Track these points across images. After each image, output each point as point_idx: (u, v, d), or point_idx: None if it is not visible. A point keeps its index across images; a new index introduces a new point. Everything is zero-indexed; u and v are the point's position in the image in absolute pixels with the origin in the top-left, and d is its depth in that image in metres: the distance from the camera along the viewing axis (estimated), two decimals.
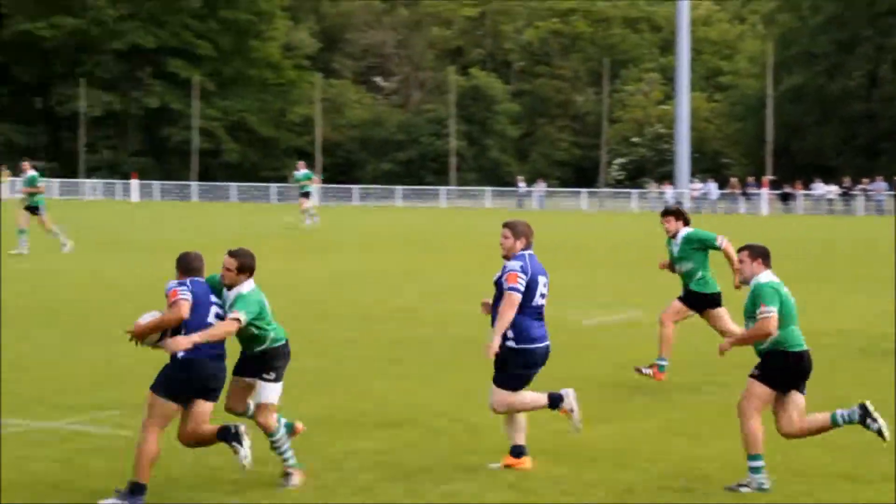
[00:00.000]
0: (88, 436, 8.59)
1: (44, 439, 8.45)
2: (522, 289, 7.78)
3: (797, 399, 7.54)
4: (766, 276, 7.53)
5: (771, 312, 7.33)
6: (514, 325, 7.79)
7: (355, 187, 75.54)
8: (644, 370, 10.89)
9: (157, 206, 63.93)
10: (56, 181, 74.90)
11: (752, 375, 7.55)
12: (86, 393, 10.23)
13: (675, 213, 11.05)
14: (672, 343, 10.97)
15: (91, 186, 76.21)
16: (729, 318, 10.84)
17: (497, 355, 7.81)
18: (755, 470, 7.44)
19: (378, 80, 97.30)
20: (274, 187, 74.30)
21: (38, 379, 10.59)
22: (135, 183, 72.31)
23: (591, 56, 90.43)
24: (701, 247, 10.79)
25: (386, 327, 14.79)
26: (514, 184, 73.69)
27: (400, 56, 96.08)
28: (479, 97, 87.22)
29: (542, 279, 7.97)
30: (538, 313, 7.93)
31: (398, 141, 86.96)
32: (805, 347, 7.55)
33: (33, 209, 25.17)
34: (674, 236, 10.96)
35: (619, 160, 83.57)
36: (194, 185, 76.99)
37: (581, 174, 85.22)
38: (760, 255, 7.58)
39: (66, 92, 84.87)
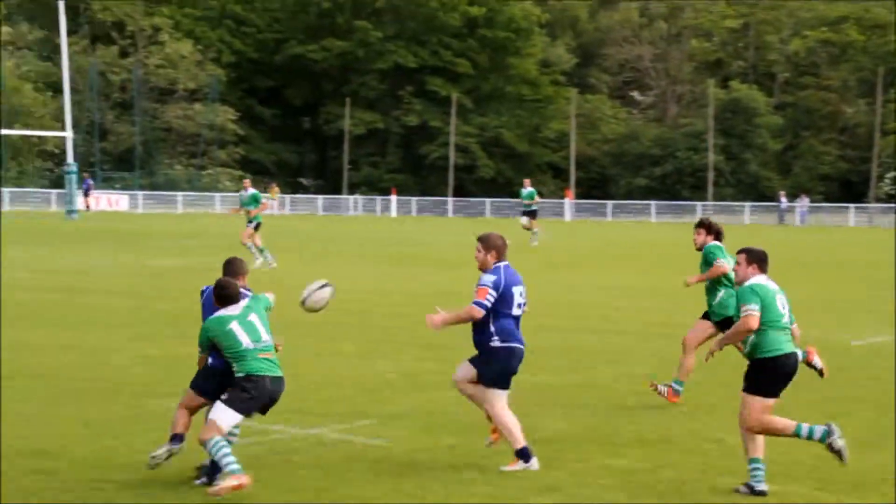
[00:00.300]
0: (348, 444, 8.87)
1: (307, 447, 8.80)
2: (489, 305, 7.98)
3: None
4: (754, 280, 7.56)
5: (749, 310, 7.40)
6: (498, 327, 8.02)
7: (609, 202, 75.10)
8: (661, 387, 10.48)
9: (414, 221, 65.75)
10: (319, 197, 78.59)
11: (743, 391, 7.57)
12: (347, 402, 10.58)
13: (703, 225, 10.59)
14: (692, 367, 10.50)
15: (353, 202, 79.37)
16: None
17: (480, 355, 8.09)
18: (756, 472, 7.54)
19: (634, 94, 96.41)
20: None
21: (303, 389, 11.04)
22: (394, 199, 74.69)
23: (864, 65, 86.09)
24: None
25: (650, 345, 14.55)
26: (774, 199, 71.22)
27: (657, 70, 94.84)
28: (739, 110, 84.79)
29: (517, 289, 8.14)
30: (517, 320, 8.15)
31: (654, 155, 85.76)
32: (786, 351, 7.49)
33: (253, 223, 25.49)
34: (700, 250, 10.63)
35: (892, 174, 79.10)
36: (450, 201, 78.73)
37: (847, 189, 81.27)
38: (756, 260, 7.62)
39: (332, 112, 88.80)
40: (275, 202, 72.43)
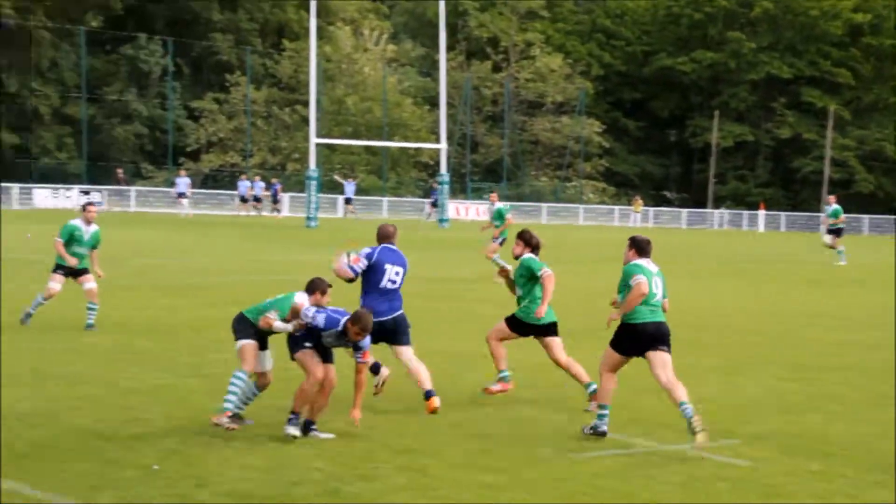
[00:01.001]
0: (710, 462, 8.76)
1: (668, 461, 8.78)
2: (358, 270, 10.08)
3: (656, 357, 9.09)
4: (636, 261, 9.18)
5: (638, 279, 8.97)
6: (367, 303, 9.89)
7: None
8: (493, 388, 10.90)
9: (781, 237, 63.41)
10: (684, 211, 77.58)
11: (609, 344, 9.30)
12: (710, 419, 10.42)
13: (521, 237, 11.05)
14: (504, 355, 10.95)
15: (718, 216, 77.73)
16: (560, 348, 10.75)
17: None
18: (600, 417, 9.29)
19: None
20: None
21: (667, 404, 11.02)
22: (761, 213, 72.40)
23: None
24: (528, 275, 10.76)
25: None
26: None
27: None
28: None
29: (391, 267, 10.12)
30: (386, 293, 10.08)
31: None
32: (648, 320, 9.02)
33: (499, 239, 25.00)
34: (517, 258, 11.11)
35: None
36: (823, 217, 75.14)
37: None
38: (635, 246, 9.28)
39: (700, 124, 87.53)
40: (637, 215, 72.39)
